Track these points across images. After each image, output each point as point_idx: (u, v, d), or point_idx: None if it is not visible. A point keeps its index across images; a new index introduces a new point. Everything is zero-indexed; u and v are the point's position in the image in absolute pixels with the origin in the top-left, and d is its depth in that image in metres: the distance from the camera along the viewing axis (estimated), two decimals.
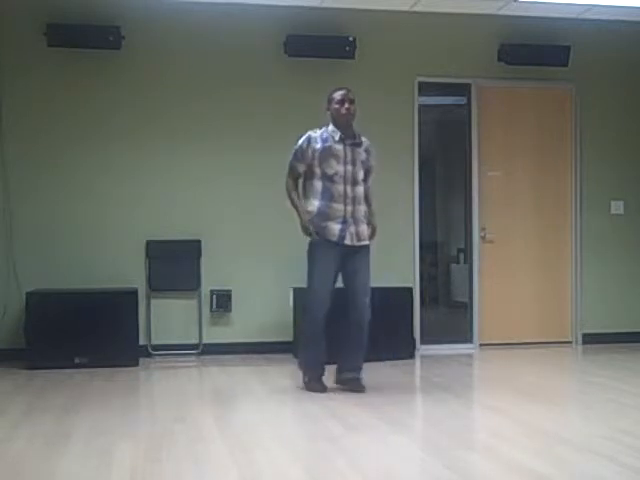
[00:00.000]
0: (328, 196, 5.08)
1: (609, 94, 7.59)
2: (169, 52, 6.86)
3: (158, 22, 6.78)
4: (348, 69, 7.02)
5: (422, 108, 7.34)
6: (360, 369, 5.26)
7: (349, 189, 5.10)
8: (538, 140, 7.51)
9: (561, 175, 7.55)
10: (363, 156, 5.19)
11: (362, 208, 5.16)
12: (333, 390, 5.21)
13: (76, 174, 6.72)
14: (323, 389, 5.16)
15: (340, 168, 5.08)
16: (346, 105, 5.15)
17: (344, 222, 5.08)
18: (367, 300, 5.17)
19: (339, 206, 5.08)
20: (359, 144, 5.20)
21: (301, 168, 5.18)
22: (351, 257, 5.15)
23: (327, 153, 5.09)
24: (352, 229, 5.10)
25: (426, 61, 7.26)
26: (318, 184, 5.11)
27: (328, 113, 5.22)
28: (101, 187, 6.75)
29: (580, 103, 7.51)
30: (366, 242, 5.19)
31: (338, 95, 5.19)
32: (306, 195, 5.19)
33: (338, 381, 5.29)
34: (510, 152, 7.47)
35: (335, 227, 5.08)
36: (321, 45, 6.88)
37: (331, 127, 5.18)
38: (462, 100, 7.55)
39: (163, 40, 6.83)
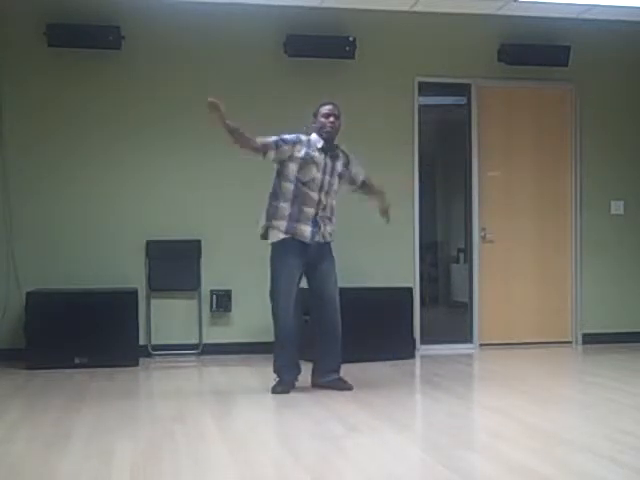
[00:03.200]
0: (300, 200, 5.17)
1: (609, 94, 7.59)
2: (169, 52, 6.86)
3: (158, 22, 6.78)
4: (348, 69, 7.03)
5: (422, 108, 7.34)
6: (340, 368, 5.33)
7: (323, 197, 5.23)
8: (538, 140, 7.51)
9: (561, 175, 7.55)
10: (340, 168, 5.33)
11: (329, 213, 5.29)
12: (333, 390, 5.21)
13: (76, 174, 6.72)
14: (286, 391, 5.17)
15: (318, 175, 5.19)
16: (331, 119, 5.27)
17: (315, 224, 5.20)
18: (337, 300, 5.31)
19: (310, 210, 5.19)
20: (337, 156, 5.33)
21: (272, 155, 5.20)
22: (318, 259, 5.26)
23: (309, 161, 5.19)
24: (321, 229, 5.24)
25: (426, 61, 7.26)
26: (290, 187, 5.18)
27: (313, 125, 5.32)
28: (101, 187, 6.75)
29: (580, 103, 7.51)
30: (329, 240, 5.33)
31: (325, 109, 5.31)
32: (277, 196, 5.22)
33: (319, 384, 5.30)
34: (510, 152, 7.47)
35: (306, 228, 5.18)
36: (321, 45, 6.88)
37: (315, 136, 5.29)
38: (462, 100, 7.54)
39: (163, 40, 6.83)
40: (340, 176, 5.32)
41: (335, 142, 5.34)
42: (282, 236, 5.18)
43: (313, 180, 5.18)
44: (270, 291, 5.28)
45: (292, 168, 5.18)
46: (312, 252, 5.22)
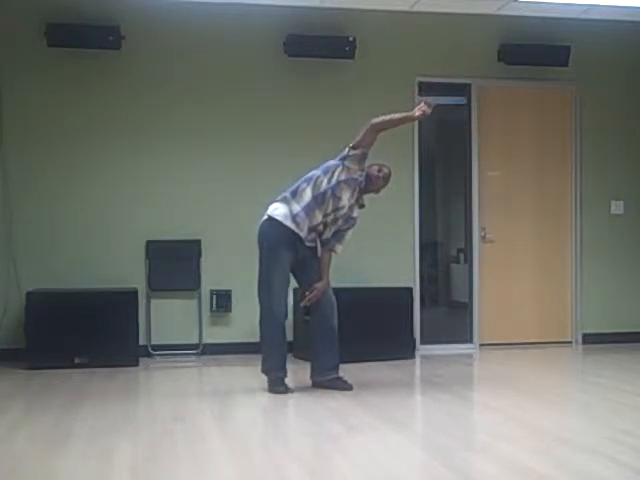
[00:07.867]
0: (309, 211, 5.14)
1: (609, 94, 7.59)
2: (169, 52, 6.86)
3: (158, 22, 6.78)
4: (348, 69, 7.03)
5: None
6: (339, 366, 5.31)
7: (330, 217, 5.20)
8: (538, 140, 7.51)
9: (561, 175, 7.55)
10: (354, 214, 5.33)
11: (322, 234, 5.30)
12: (333, 390, 5.21)
13: (76, 174, 6.72)
14: (287, 390, 5.17)
15: (345, 200, 5.18)
16: (383, 185, 5.38)
17: (309, 232, 5.21)
18: (333, 297, 5.32)
19: (319, 216, 5.18)
20: (362, 206, 5.38)
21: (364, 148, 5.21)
22: (309, 256, 5.28)
23: (352, 185, 5.19)
24: (315, 240, 5.31)
25: (426, 61, 7.26)
26: (309, 197, 5.15)
27: (370, 170, 5.28)
28: (101, 187, 6.76)
29: (580, 103, 7.51)
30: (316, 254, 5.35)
31: (387, 178, 5.36)
32: (294, 196, 5.19)
33: (319, 382, 5.29)
34: (510, 152, 7.47)
35: (304, 227, 5.18)
36: (321, 45, 6.88)
37: (363, 180, 5.28)
38: (462, 100, 7.54)
39: (163, 40, 6.83)
40: (346, 221, 5.29)
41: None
42: (287, 223, 5.14)
43: (339, 199, 5.17)
44: (260, 283, 5.22)
45: (342, 175, 5.18)
46: (304, 249, 5.23)
